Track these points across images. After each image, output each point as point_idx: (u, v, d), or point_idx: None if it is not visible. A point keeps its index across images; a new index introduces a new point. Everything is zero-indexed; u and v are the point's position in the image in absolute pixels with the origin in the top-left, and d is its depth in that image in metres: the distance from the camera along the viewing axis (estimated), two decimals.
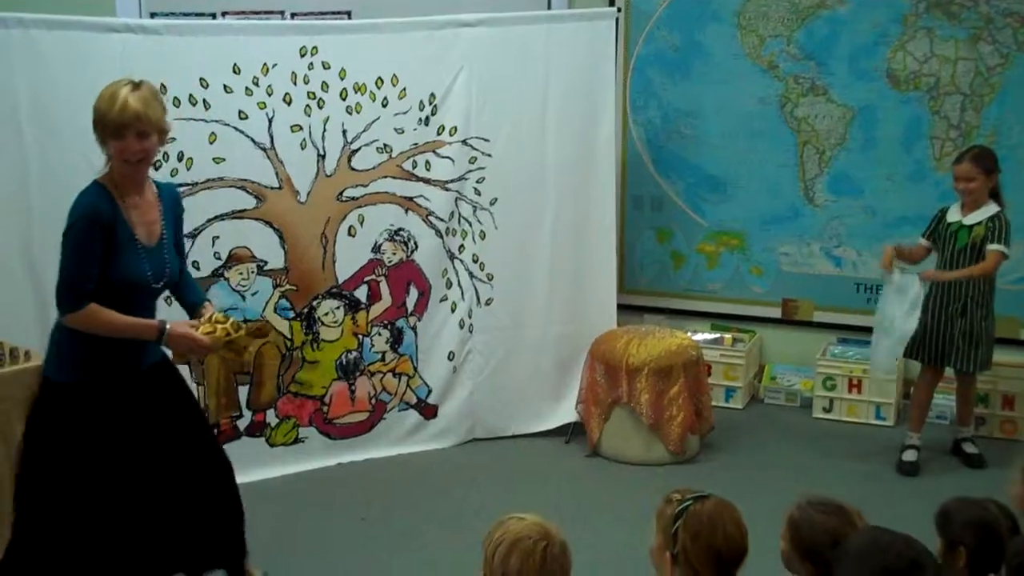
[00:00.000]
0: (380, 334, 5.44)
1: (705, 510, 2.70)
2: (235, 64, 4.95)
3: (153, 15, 5.97)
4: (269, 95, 5.03)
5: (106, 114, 3.36)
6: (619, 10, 6.02)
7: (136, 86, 3.42)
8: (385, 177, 5.33)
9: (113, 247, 3.41)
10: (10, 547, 3.64)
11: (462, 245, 5.54)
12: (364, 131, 5.24)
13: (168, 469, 3.65)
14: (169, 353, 3.76)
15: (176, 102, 4.78)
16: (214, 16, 6.00)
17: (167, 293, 3.74)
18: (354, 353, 5.39)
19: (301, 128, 5.13)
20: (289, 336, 5.24)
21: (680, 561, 2.66)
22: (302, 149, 5.14)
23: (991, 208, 5.09)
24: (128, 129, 3.37)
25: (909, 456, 5.30)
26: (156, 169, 4.26)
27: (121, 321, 3.44)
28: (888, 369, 5.52)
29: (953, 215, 5.19)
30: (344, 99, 5.19)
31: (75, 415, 3.49)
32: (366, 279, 5.38)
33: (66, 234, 3.39)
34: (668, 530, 2.71)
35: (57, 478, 3.52)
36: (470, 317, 5.60)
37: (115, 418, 3.53)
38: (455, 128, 5.41)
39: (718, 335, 6.38)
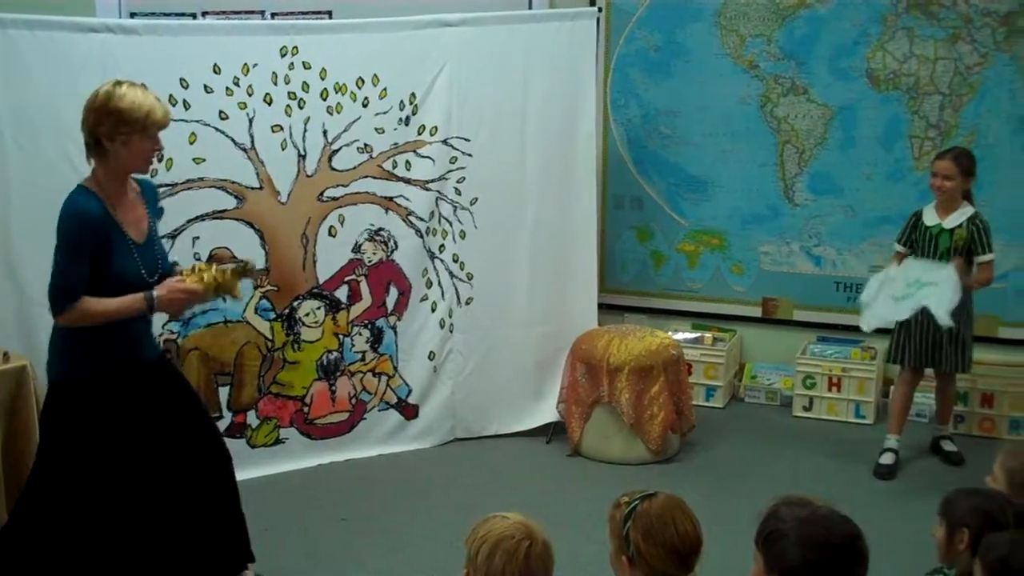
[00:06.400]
0: (360, 334, 5.43)
1: (653, 507, 2.68)
2: (215, 64, 4.94)
3: (133, 15, 5.93)
4: (250, 95, 5.02)
5: (149, 114, 3.41)
6: (600, 9, 6.02)
7: (143, 87, 3.49)
8: (366, 177, 5.33)
9: (108, 249, 3.44)
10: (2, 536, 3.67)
11: (442, 245, 5.54)
12: (345, 131, 5.24)
13: (172, 470, 3.69)
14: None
15: None
16: (194, 16, 5.97)
17: None
18: (335, 353, 5.39)
19: (282, 128, 5.12)
20: (270, 337, 5.23)
21: (637, 562, 2.65)
22: (283, 149, 5.13)
23: (967, 210, 5.10)
24: (161, 129, 3.49)
25: (886, 459, 5.28)
26: None
27: (112, 305, 3.46)
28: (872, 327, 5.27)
29: (930, 218, 5.16)
30: (325, 99, 5.18)
31: (80, 413, 3.53)
32: (346, 279, 5.38)
33: (58, 237, 3.41)
34: (620, 533, 2.69)
35: (68, 480, 3.55)
36: (450, 317, 5.60)
37: (120, 415, 3.57)
38: (436, 128, 5.41)
39: (699, 334, 6.39)
